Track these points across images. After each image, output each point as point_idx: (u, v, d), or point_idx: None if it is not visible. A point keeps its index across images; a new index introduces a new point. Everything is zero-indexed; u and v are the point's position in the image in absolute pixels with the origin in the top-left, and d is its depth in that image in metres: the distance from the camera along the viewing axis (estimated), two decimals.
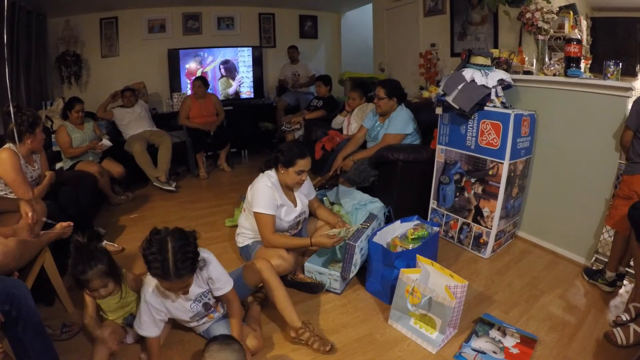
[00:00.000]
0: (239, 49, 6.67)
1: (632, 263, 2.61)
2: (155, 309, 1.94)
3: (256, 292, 2.49)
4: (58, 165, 4.14)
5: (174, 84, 6.34)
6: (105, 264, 1.99)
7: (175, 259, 1.69)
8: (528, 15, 3.35)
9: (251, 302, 2.44)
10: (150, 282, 1.91)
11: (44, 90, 5.23)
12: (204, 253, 1.97)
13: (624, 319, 2.31)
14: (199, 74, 6.25)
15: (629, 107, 2.61)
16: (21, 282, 1.77)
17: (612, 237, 2.78)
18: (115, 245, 3.24)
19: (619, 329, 2.19)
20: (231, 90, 6.73)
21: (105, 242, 3.20)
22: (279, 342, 2.22)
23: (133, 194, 4.55)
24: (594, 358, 2.09)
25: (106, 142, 4.35)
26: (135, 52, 6.16)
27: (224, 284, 2.04)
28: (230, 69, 6.65)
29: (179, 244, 1.72)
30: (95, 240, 2.08)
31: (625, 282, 2.74)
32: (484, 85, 2.99)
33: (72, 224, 2.38)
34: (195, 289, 1.97)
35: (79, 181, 3.50)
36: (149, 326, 1.95)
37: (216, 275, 2.00)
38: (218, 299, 2.12)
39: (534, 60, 3.41)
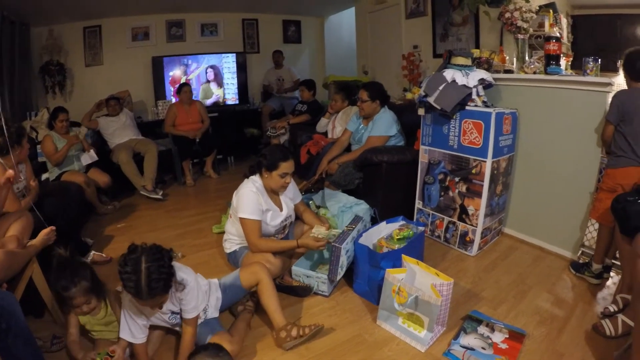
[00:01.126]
0: (223, 55, 6.67)
1: (618, 255, 2.64)
2: (135, 314, 1.94)
3: (247, 301, 2.48)
4: (44, 176, 4.10)
5: (159, 92, 6.32)
6: (88, 280, 1.97)
7: (148, 280, 1.69)
8: (507, 15, 3.40)
9: (241, 311, 2.42)
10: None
11: (28, 101, 5.18)
12: (185, 274, 1.98)
13: (612, 310, 2.35)
14: (183, 81, 6.23)
15: (609, 102, 2.65)
16: (10, 294, 1.75)
17: (597, 230, 2.81)
18: (104, 255, 3.21)
19: (607, 320, 2.21)
20: (209, 102, 6.66)
21: (93, 252, 3.17)
22: (268, 346, 2.21)
23: (120, 203, 4.51)
24: (583, 350, 2.11)
25: (91, 155, 4.34)
26: (119, 61, 6.13)
27: (191, 310, 2.00)
28: (217, 74, 6.65)
29: (154, 265, 1.72)
30: (77, 254, 2.05)
31: (612, 273, 2.78)
32: (464, 85, 3.02)
33: (54, 228, 2.34)
34: (169, 305, 1.97)
35: (65, 192, 3.44)
36: (137, 331, 1.95)
37: (187, 299, 1.97)
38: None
39: (515, 59, 3.45)
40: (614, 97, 2.57)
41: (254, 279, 2.30)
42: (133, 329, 1.94)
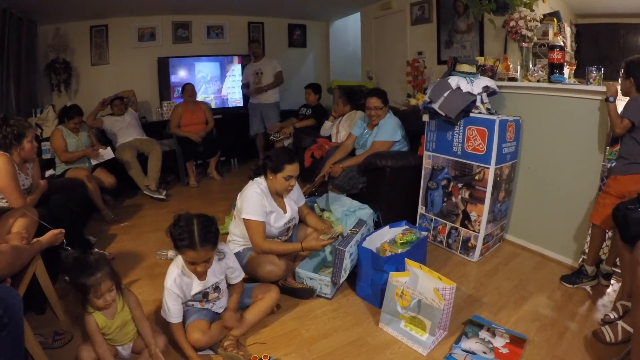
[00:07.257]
0: (229, 57, 6.70)
1: (618, 262, 2.65)
2: (175, 294, 2.09)
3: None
4: (48, 173, 4.11)
5: (164, 93, 6.35)
6: (108, 266, 1.96)
7: (200, 230, 1.96)
8: (512, 23, 3.41)
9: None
10: (172, 271, 2.11)
11: (34, 98, 5.20)
12: (224, 247, 2.27)
13: (612, 317, 2.36)
14: None
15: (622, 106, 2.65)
16: (17, 293, 1.74)
17: (590, 232, 2.81)
18: (107, 253, 3.23)
19: (607, 327, 2.23)
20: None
21: (95, 250, 3.20)
22: (274, 346, 2.24)
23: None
24: (583, 356, 2.13)
25: (108, 152, 4.40)
26: (125, 60, 6.15)
27: (240, 273, 2.35)
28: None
29: (203, 219, 2.02)
30: (89, 252, 2.05)
31: (612, 281, 2.79)
32: (469, 92, 3.05)
33: (63, 230, 2.37)
34: (211, 278, 2.18)
35: (70, 189, 3.47)
36: (176, 313, 2.10)
37: (234, 265, 2.30)
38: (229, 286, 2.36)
39: (519, 67, 3.47)
40: (635, 100, 2.52)
41: (264, 291, 2.43)
42: (174, 310, 2.09)
